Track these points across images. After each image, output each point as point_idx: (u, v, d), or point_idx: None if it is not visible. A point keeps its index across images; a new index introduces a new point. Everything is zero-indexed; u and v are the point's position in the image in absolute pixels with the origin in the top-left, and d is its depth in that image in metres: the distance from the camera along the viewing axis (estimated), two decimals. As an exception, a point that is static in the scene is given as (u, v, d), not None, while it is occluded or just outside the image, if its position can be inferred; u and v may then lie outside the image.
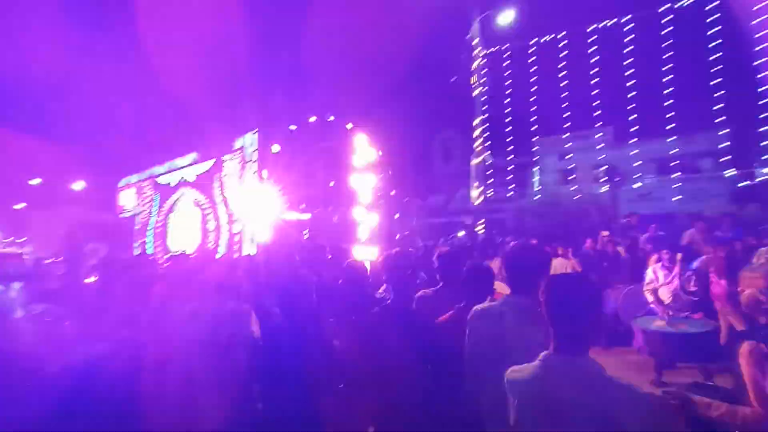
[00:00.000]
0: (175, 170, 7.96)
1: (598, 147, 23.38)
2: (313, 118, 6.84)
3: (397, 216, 9.21)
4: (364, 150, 7.78)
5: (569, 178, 16.80)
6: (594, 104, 18.60)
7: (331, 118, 7.17)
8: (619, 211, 14.18)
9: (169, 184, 8.09)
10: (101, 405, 2.16)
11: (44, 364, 2.83)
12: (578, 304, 1.19)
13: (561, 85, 18.14)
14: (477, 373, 1.77)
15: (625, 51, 16.21)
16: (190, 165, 7.62)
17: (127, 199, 9.58)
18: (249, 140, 6.50)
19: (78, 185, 30.41)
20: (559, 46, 16.35)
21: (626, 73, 16.65)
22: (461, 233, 11.79)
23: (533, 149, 25.83)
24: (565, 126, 20.68)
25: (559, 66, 17.60)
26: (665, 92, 16.44)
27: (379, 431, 2.00)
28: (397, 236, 9.35)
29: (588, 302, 1.20)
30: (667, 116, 16.64)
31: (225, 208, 6.81)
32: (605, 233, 7.42)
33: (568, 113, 19.96)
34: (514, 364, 1.60)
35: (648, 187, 15.86)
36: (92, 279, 7.96)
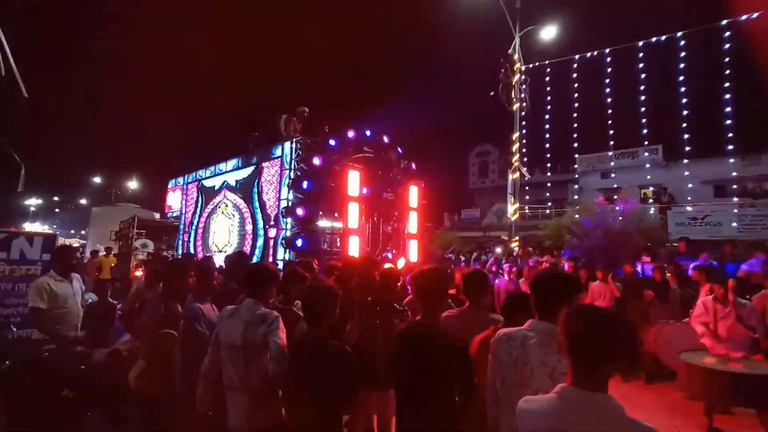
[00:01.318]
0: (218, 174, 8.39)
1: (646, 166, 22.19)
2: (350, 132, 7.00)
3: (429, 228, 9.19)
4: (399, 163, 7.89)
5: (613, 197, 16.04)
6: (642, 121, 17.73)
7: (368, 131, 7.31)
8: (667, 235, 13.30)
9: (213, 187, 8.54)
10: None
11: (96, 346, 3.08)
12: (597, 336, 1.14)
13: (606, 101, 17.48)
14: (498, 400, 1.74)
15: (678, 66, 15.36)
16: (232, 170, 8.01)
17: (174, 200, 10.20)
18: (287, 149, 6.75)
19: (132, 185, 32.84)
20: (606, 61, 15.73)
21: (680, 90, 15.76)
22: (498, 249, 11.52)
23: (574, 166, 24.94)
24: (609, 143, 19.86)
25: (605, 82, 16.98)
26: (725, 110, 15.38)
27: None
28: (431, 250, 9.31)
29: (608, 335, 1.15)
30: (729, 136, 15.53)
31: (262, 213, 7.09)
32: (647, 258, 7.00)
33: (613, 131, 19.15)
34: (538, 391, 1.58)
35: (702, 211, 14.74)
36: (140, 273, 8.53)
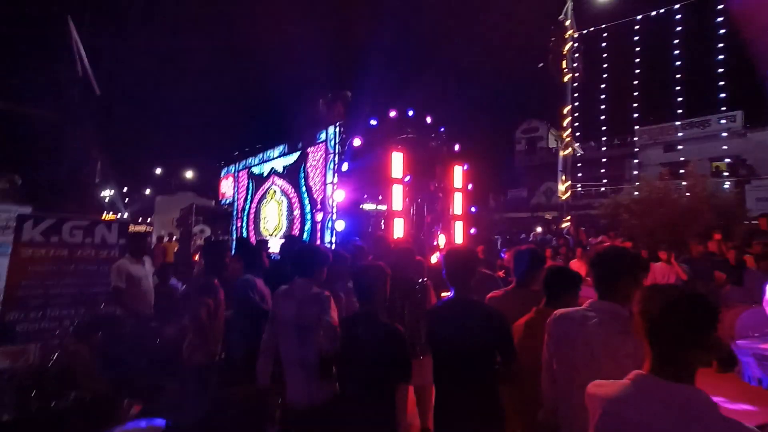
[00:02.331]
0: (266, 161, 8.71)
1: (722, 135, 19.88)
2: (392, 112, 6.92)
3: (474, 210, 8.98)
4: (442, 144, 7.72)
5: (679, 171, 14.56)
6: (718, 85, 15.72)
7: (411, 111, 7.18)
8: (745, 212, 11.97)
9: (262, 174, 8.90)
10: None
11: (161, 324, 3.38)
12: (683, 318, 1.02)
13: (673, 65, 15.66)
14: (555, 379, 1.69)
15: (761, 18, 13.40)
16: (279, 157, 8.27)
17: (227, 187, 10.78)
18: (331, 133, 6.83)
19: (189, 174, 35.17)
20: (674, 19, 14.03)
21: (762, 46, 13.72)
22: (539, 229, 11.00)
23: (633, 139, 22.99)
24: (676, 113, 17.89)
25: (672, 43, 15.20)
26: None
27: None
28: (472, 231, 9.13)
29: (695, 318, 1.02)
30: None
31: (309, 197, 7.28)
32: (717, 236, 6.36)
33: (681, 98, 17.22)
34: (599, 373, 1.51)
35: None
36: (197, 257, 9.18)
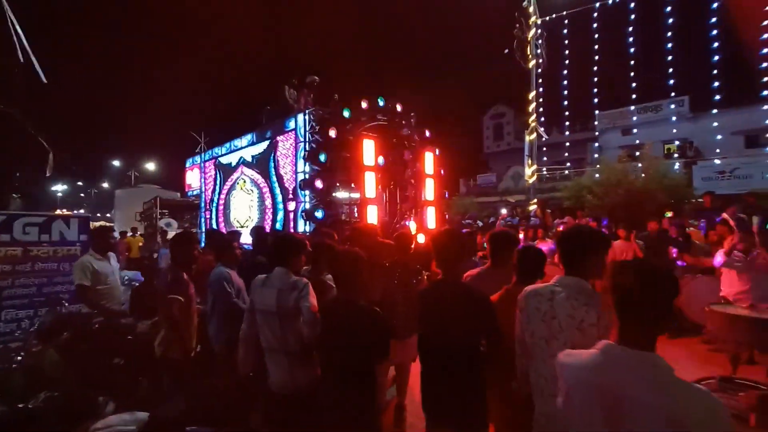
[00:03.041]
0: (234, 151, 8.46)
1: (671, 119, 21.14)
2: (363, 102, 6.88)
3: (446, 195, 9.14)
4: (413, 130, 7.77)
5: (635, 154, 15.40)
6: (667, 72, 16.67)
7: (381, 100, 7.17)
8: (693, 191, 12.90)
9: (230, 164, 8.64)
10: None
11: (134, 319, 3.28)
12: (653, 293, 1.10)
13: (629, 52, 16.39)
14: (527, 352, 1.81)
15: (709, 7, 14.22)
16: (247, 146, 8.05)
17: (193, 179, 10.39)
18: (301, 121, 6.71)
19: (151, 166, 33.47)
20: (630, 7, 14.63)
21: (711, 34, 14.59)
22: (503, 211, 11.37)
23: (593, 124, 24.04)
24: (631, 98, 18.81)
25: (627, 31, 15.87)
26: (762, 52, 14.23)
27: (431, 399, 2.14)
28: (446, 216, 9.32)
29: (664, 292, 1.10)
30: (764, 80, 14.36)
31: (280, 187, 7.17)
32: (669, 214, 6.86)
33: (635, 84, 18.10)
34: (567, 343, 1.63)
35: (731, 164, 14.12)
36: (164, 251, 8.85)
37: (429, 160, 8.13)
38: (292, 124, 6.88)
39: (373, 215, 6.68)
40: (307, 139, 6.57)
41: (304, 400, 2.19)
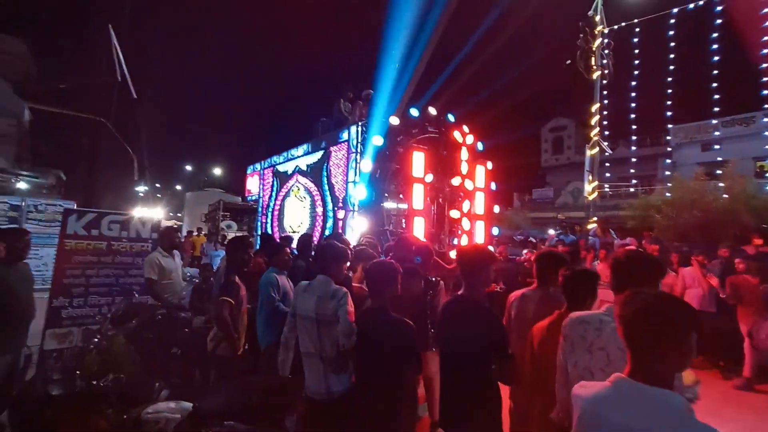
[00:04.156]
0: (290, 160, 8.93)
1: (765, 133, 18.69)
2: (414, 111, 6.94)
3: (497, 209, 8.88)
4: (465, 142, 7.67)
5: (716, 172, 13.83)
6: (760, 82, 14.83)
7: (433, 110, 7.19)
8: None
9: (286, 172, 9.13)
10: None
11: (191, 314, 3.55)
12: (650, 322, 1.04)
13: (711, 61, 14.82)
14: (569, 382, 1.70)
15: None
16: (303, 155, 8.46)
17: (253, 185, 11.10)
18: (354, 132, 6.93)
19: (217, 171, 36.31)
20: (714, 11, 13.30)
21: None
22: (551, 231, 10.65)
23: (666, 138, 21.97)
24: (713, 110, 16.97)
25: (711, 37, 14.39)
26: None
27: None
28: (497, 231, 9.02)
29: (662, 322, 1.03)
30: None
31: (331, 195, 7.42)
32: (758, 241, 6.04)
33: (719, 95, 16.30)
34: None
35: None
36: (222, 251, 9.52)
37: (480, 173, 7.97)
38: (345, 135, 7.12)
39: (419, 227, 6.66)
40: (358, 150, 6.76)
41: (337, 406, 2.23)
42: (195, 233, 13.12)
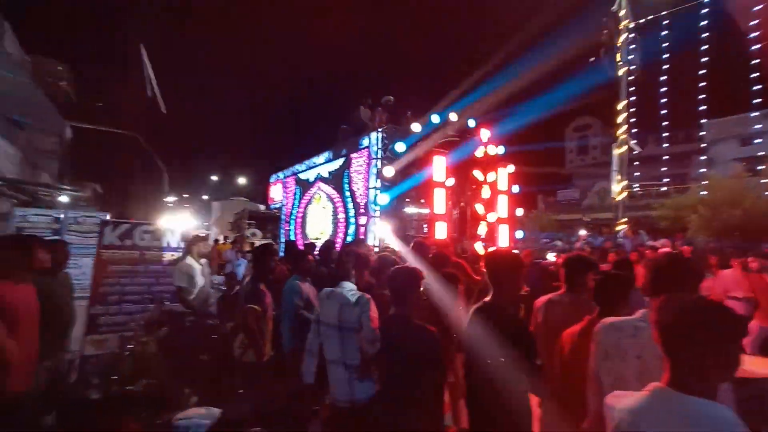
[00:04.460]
0: (312, 168, 9.06)
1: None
2: (434, 116, 6.92)
3: (521, 212, 8.70)
4: (486, 145, 7.58)
5: (757, 168, 13.02)
6: (803, 71, 13.89)
7: (454, 115, 7.14)
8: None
9: (308, 180, 9.26)
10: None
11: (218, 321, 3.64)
12: (691, 329, 0.97)
13: (748, 51, 13.99)
14: (602, 391, 1.62)
15: None
16: (324, 163, 8.57)
17: (276, 193, 11.33)
18: (374, 139, 6.97)
19: (242, 180, 37.34)
20: None
21: None
22: (582, 232, 10.23)
23: (700, 134, 20.94)
24: (752, 103, 15.98)
25: (748, 25, 13.63)
26: None
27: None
28: (521, 234, 8.84)
29: (705, 329, 0.96)
30: None
31: (352, 202, 7.47)
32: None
33: (759, 86, 15.35)
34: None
35: None
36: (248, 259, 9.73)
37: (503, 176, 7.85)
38: (365, 142, 7.17)
39: (441, 232, 6.61)
40: (379, 156, 6.79)
41: (361, 413, 2.22)
42: (222, 241, 13.48)
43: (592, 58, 11.22)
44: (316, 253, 6.57)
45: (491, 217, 7.52)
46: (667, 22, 13.17)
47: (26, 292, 2.30)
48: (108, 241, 4.39)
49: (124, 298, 4.39)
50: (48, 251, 2.87)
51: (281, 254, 7.07)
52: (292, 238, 9.60)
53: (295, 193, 9.87)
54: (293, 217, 9.80)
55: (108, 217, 6.60)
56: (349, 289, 2.42)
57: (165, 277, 4.58)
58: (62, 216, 7.05)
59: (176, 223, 5.30)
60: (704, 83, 16.04)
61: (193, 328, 3.27)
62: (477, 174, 7.51)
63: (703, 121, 19.89)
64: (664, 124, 18.55)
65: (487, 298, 2.17)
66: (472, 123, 7.46)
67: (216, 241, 13.71)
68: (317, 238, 8.55)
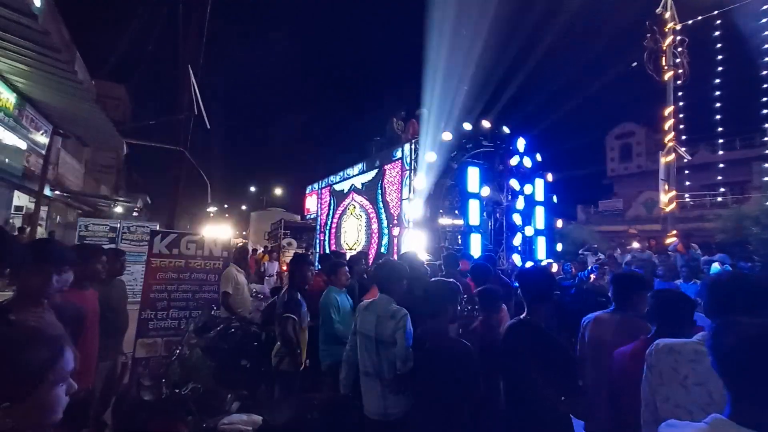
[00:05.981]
0: (347, 179, 9.23)
1: None
2: (468, 125, 6.87)
3: (560, 224, 8.40)
4: (522, 154, 7.41)
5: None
6: None
7: (487, 123, 7.06)
8: None
9: (342, 190, 9.43)
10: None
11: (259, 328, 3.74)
12: (754, 356, 0.89)
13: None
14: (657, 418, 1.52)
15: None
16: (358, 174, 8.70)
17: (311, 203, 11.61)
18: (407, 150, 7.01)
19: (278, 191, 38.59)
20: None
21: None
22: (636, 245, 9.59)
23: (762, 140, 19.31)
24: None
25: (812, 22, 12.55)
26: None
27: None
28: (559, 247, 8.50)
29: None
30: None
31: (386, 212, 7.51)
32: None
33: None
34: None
35: None
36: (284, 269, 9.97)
37: (540, 187, 7.64)
38: (398, 154, 7.23)
39: (476, 243, 6.50)
40: (412, 168, 6.81)
41: (395, 428, 2.20)
42: (260, 250, 13.95)
43: (634, 63, 10.75)
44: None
45: (528, 230, 7.31)
46: (718, 22, 12.37)
47: (92, 297, 2.54)
48: (157, 250, 4.67)
49: (170, 304, 4.64)
50: (109, 260, 3.10)
51: (317, 266, 7.21)
52: (327, 248, 9.78)
53: (329, 204, 10.07)
54: (328, 227, 9.99)
55: (157, 227, 7.06)
56: (388, 301, 2.42)
57: (207, 285, 4.80)
58: (118, 225, 7.66)
59: (218, 232, 5.55)
60: (766, 85, 14.80)
61: (237, 334, 3.39)
62: (513, 184, 7.34)
63: (766, 125, 18.35)
64: (719, 129, 17.28)
65: (522, 315, 2.12)
66: (506, 130, 7.34)
67: (254, 250, 14.21)
68: (351, 249, 8.65)
